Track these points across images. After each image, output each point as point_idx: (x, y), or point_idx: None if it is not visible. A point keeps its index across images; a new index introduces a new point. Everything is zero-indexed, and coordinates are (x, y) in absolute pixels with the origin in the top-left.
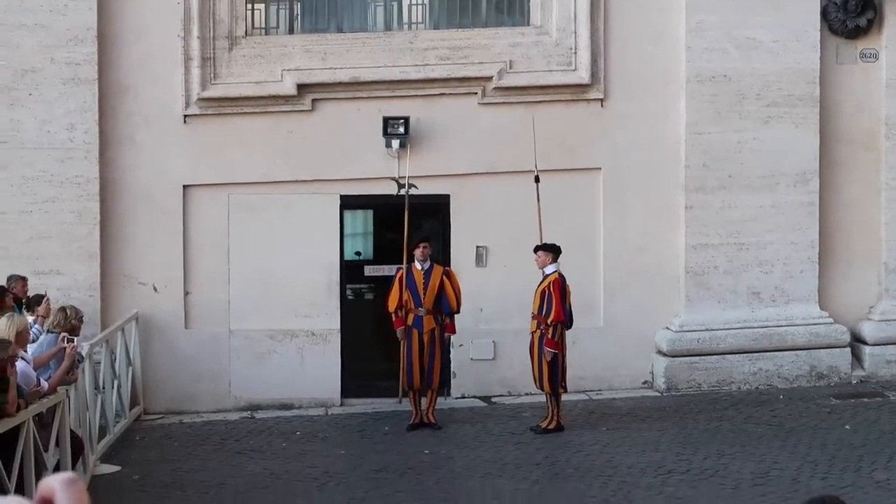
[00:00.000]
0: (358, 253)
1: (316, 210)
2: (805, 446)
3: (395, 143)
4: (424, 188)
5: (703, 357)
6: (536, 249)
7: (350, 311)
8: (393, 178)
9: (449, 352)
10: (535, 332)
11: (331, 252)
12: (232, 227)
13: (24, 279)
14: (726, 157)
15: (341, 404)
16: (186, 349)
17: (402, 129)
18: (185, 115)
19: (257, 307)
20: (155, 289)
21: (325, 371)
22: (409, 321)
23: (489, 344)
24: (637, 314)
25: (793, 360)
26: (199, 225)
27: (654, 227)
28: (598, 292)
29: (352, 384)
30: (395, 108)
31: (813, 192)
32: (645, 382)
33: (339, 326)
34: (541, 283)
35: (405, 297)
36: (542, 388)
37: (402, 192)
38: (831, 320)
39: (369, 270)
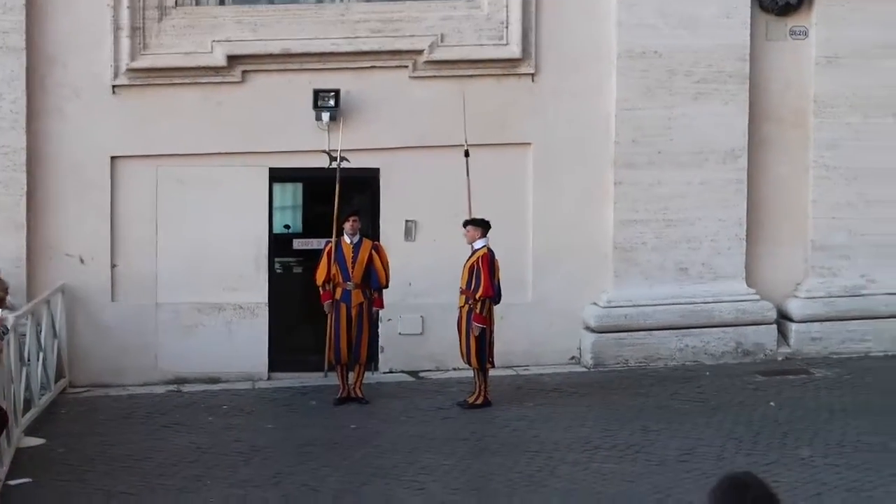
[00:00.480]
0: (287, 226)
1: (245, 183)
2: (730, 423)
3: (326, 115)
4: (354, 161)
5: (630, 333)
6: (465, 224)
7: (278, 285)
8: (325, 151)
9: (377, 326)
10: (464, 307)
11: (259, 225)
12: (160, 199)
13: None
14: (656, 133)
15: (269, 378)
16: (113, 322)
17: (332, 102)
18: (114, 86)
19: (185, 280)
20: (82, 260)
21: (252, 345)
22: (338, 295)
23: (417, 319)
24: (566, 290)
25: (719, 337)
26: (127, 197)
27: (584, 203)
28: (527, 268)
29: (279, 358)
30: (326, 81)
31: (741, 170)
32: (572, 358)
33: (266, 300)
34: (469, 257)
35: (333, 270)
36: (469, 363)
37: (334, 165)
38: (758, 297)
39: (298, 244)
